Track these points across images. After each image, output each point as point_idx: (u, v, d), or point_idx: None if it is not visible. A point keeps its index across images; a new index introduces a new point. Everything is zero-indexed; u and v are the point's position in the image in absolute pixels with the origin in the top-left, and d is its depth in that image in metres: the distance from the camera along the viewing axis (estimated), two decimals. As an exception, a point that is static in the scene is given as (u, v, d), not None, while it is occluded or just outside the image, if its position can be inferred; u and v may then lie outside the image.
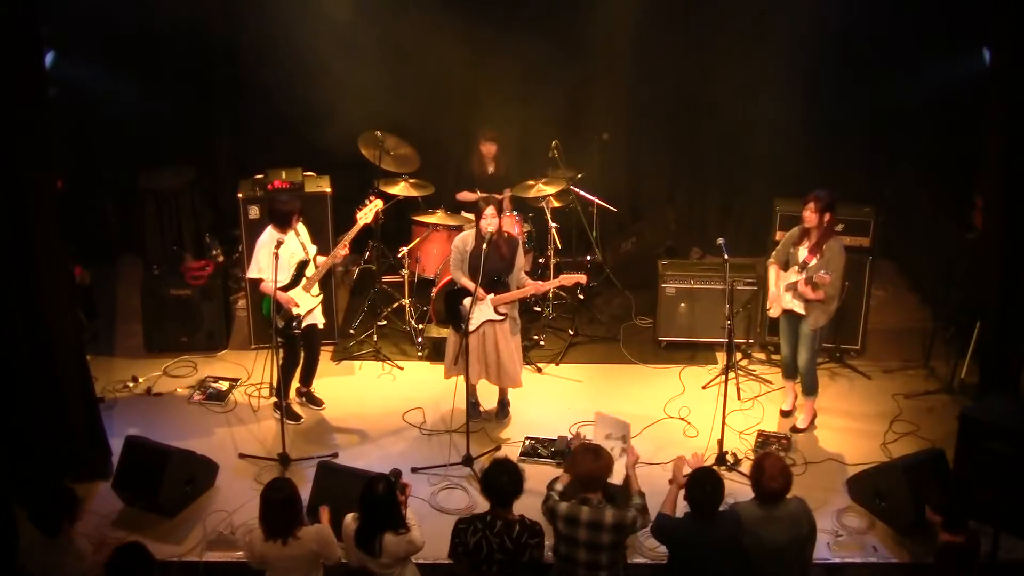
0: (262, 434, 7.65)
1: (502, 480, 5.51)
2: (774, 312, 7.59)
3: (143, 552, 5.33)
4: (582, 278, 7.57)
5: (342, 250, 7.45)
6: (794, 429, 7.69)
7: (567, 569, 5.54)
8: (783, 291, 7.42)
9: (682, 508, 5.68)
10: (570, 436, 7.43)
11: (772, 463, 5.53)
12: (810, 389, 7.64)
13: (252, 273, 7.43)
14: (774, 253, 7.59)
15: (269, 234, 7.34)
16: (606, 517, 5.43)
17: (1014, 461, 5.96)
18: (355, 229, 7.48)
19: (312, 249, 7.51)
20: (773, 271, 7.53)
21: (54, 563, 5.46)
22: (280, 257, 7.16)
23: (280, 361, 7.32)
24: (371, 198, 7.60)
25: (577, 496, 5.53)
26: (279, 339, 7.25)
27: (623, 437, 6.48)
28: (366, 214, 7.50)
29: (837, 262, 7.23)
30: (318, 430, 7.74)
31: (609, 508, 5.47)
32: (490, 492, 5.57)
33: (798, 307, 7.37)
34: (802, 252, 7.35)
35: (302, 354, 7.67)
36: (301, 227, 7.44)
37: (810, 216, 7.22)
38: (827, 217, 7.21)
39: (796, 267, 7.36)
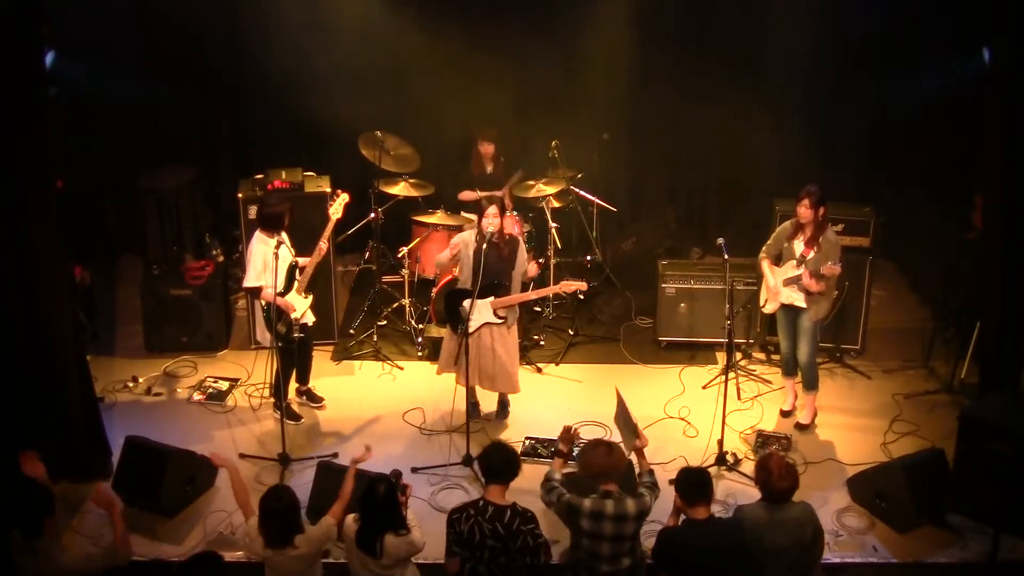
0: (262, 434, 7.65)
1: (494, 458, 5.65)
2: (770, 308, 7.60)
3: (217, 561, 5.37)
4: (582, 285, 7.56)
5: (323, 244, 7.44)
6: (798, 426, 7.70)
7: (591, 565, 5.55)
8: (782, 286, 7.43)
9: None
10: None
11: (777, 463, 5.52)
12: (811, 384, 7.65)
13: (251, 281, 7.38)
14: (765, 248, 7.61)
15: (260, 239, 7.34)
16: (629, 507, 5.48)
17: (1014, 461, 5.96)
18: (329, 226, 7.50)
19: (293, 252, 7.49)
20: (766, 265, 7.54)
21: (32, 563, 5.44)
22: (278, 258, 7.17)
23: (278, 364, 7.31)
24: (337, 193, 7.61)
25: (594, 491, 5.55)
26: (279, 343, 7.24)
27: (632, 426, 6.43)
28: (336, 209, 7.52)
29: (836, 252, 7.28)
30: (318, 430, 7.75)
31: (629, 498, 5.52)
32: (485, 468, 5.67)
33: (799, 301, 7.39)
34: (798, 246, 7.37)
35: (296, 355, 7.67)
36: (283, 232, 7.41)
37: (806, 212, 7.25)
38: (821, 211, 7.24)
39: (793, 261, 7.38)
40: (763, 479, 5.54)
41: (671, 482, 6.91)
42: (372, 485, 5.50)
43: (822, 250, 7.28)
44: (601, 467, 5.57)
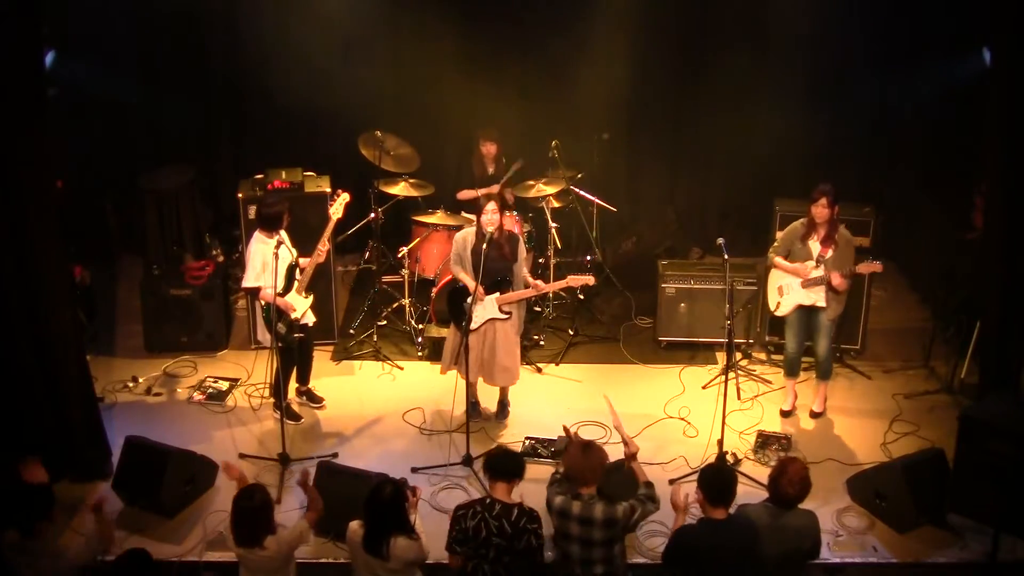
0: (262, 434, 7.65)
1: (499, 458, 5.69)
2: (784, 311, 7.58)
3: (146, 558, 5.33)
4: (589, 279, 7.57)
5: (323, 247, 7.44)
6: (812, 414, 7.77)
7: (564, 564, 5.54)
8: (801, 287, 7.41)
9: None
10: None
11: (795, 469, 5.44)
12: (827, 375, 7.75)
13: (249, 282, 7.37)
14: (772, 250, 7.62)
15: (259, 239, 7.33)
16: (596, 512, 5.41)
17: (1014, 461, 5.96)
18: (329, 226, 7.48)
19: (294, 252, 7.49)
20: (781, 260, 7.52)
21: (29, 563, 5.44)
22: (277, 258, 7.16)
23: (277, 364, 7.31)
24: (338, 193, 7.60)
25: (570, 490, 5.53)
26: (279, 343, 7.24)
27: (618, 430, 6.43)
28: (336, 209, 7.50)
29: (852, 249, 7.38)
30: (318, 430, 7.75)
31: (600, 504, 5.44)
32: (490, 467, 5.67)
33: (820, 300, 7.41)
34: (815, 247, 7.37)
35: (297, 355, 7.68)
36: (282, 231, 7.39)
37: (823, 212, 7.26)
38: (836, 209, 7.26)
39: (811, 262, 7.37)
40: (774, 477, 5.48)
41: (671, 482, 6.96)
42: (378, 487, 5.49)
43: (839, 248, 7.31)
44: (573, 467, 5.51)
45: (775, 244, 7.62)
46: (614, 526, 5.47)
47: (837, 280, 7.28)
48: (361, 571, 5.56)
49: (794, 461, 5.57)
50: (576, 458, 5.53)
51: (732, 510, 5.50)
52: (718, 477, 5.48)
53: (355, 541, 5.52)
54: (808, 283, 7.42)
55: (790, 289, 7.53)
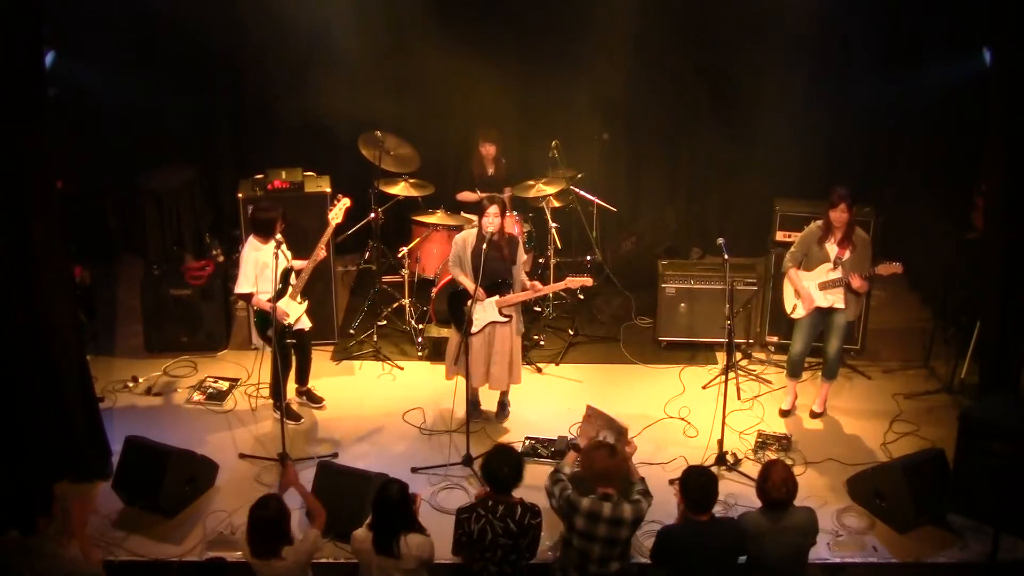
0: (262, 434, 7.65)
1: (503, 471, 5.59)
2: (800, 313, 7.56)
3: (224, 568, 5.36)
4: (588, 281, 7.57)
5: (320, 252, 7.43)
6: (812, 414, 7.79)
7: (580, 564, 5.55)
8: (818, 290, 7.41)
9: None
10: (570, 436, 7.43)
11: (777, 472, 5.50)
12: (834, 375, 7.77)
13: (242, 287, 7.34)
14: (789, 255, 7.58)
15: (252, 245, 7.31)
16: (625, 512, 5.48)
17: (1014, 461, 5.96)
18: (328, 230, 7.46)
19: (290, 257, 7.47)
20: (794, 272, 7.53)
21: (28, 563, 5.44)
22: (268, 267, 7.15)
23: (273, 365, 7.31)
24: (339, 197, 7.58)
25: (593, 492, 5.55)
26: (271, 346, 7.23)
27: (618, 431, 6.45)
28: (336, 214, 7.48)
29: (869, 249, 7.39)
30: (318, 430, 7.74)
31: (626, 503, 5.52)
32: (491, 480, 5.62)
33: (839, 302, 7.43)
34: (832, 249, 7.38)
35: (294, 357, 7.67)
36: (279, 235, 7.37)
37: (843, 215, 7.26)
38: (853, 211, 7.28)
39: (828, 264, 7.38)
40: (760, 482, 5.55)
41: (671, 482, 6.95)
42: (385, 486, 5.50)
43: (857, 249, 7.32)
44: (601, 469, 5.57)
45: (792, 249, 7.58)
46: (639, 523, 5.57)
47: (857, 282, 7.29)
48: (375, 573, 5.53)
49: (774, 464, 5.63)
50: (605, 460, 5.59)
51: (730, 514, 5.55)
52: (699, 488, 5.51)
53: (365, 548, 5.48)
54: (825, 285, 7.41)
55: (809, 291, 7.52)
